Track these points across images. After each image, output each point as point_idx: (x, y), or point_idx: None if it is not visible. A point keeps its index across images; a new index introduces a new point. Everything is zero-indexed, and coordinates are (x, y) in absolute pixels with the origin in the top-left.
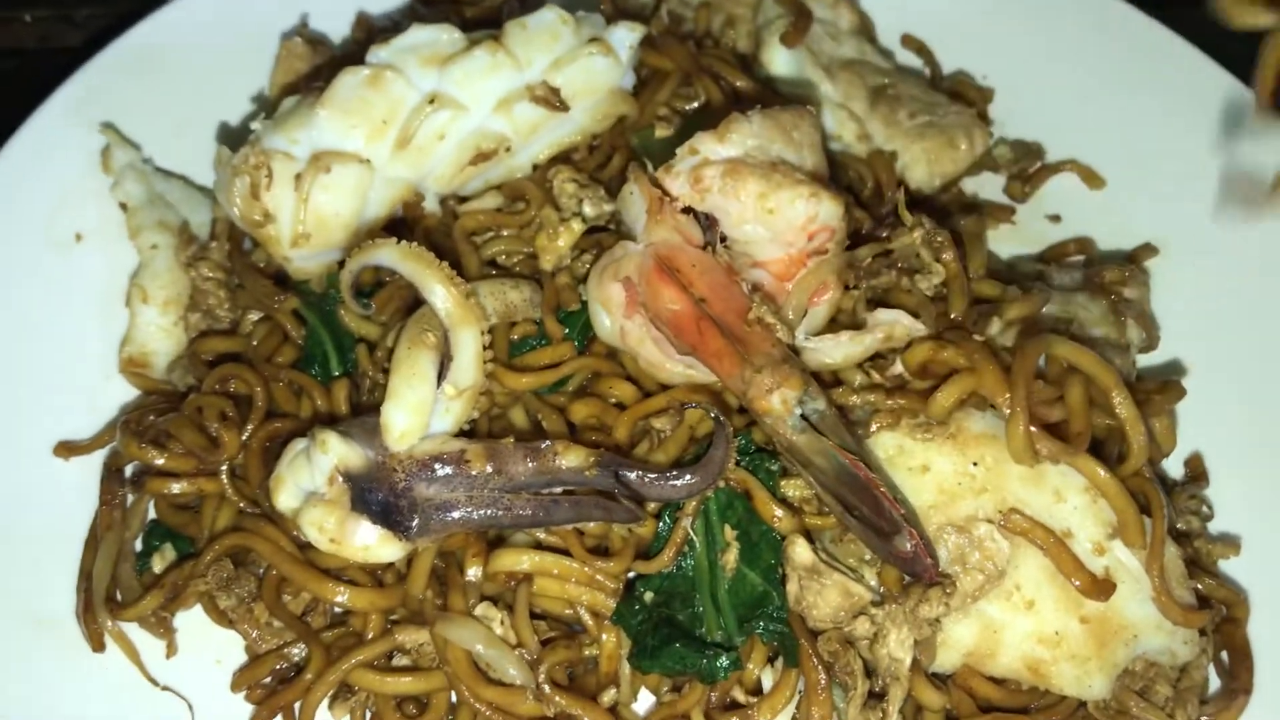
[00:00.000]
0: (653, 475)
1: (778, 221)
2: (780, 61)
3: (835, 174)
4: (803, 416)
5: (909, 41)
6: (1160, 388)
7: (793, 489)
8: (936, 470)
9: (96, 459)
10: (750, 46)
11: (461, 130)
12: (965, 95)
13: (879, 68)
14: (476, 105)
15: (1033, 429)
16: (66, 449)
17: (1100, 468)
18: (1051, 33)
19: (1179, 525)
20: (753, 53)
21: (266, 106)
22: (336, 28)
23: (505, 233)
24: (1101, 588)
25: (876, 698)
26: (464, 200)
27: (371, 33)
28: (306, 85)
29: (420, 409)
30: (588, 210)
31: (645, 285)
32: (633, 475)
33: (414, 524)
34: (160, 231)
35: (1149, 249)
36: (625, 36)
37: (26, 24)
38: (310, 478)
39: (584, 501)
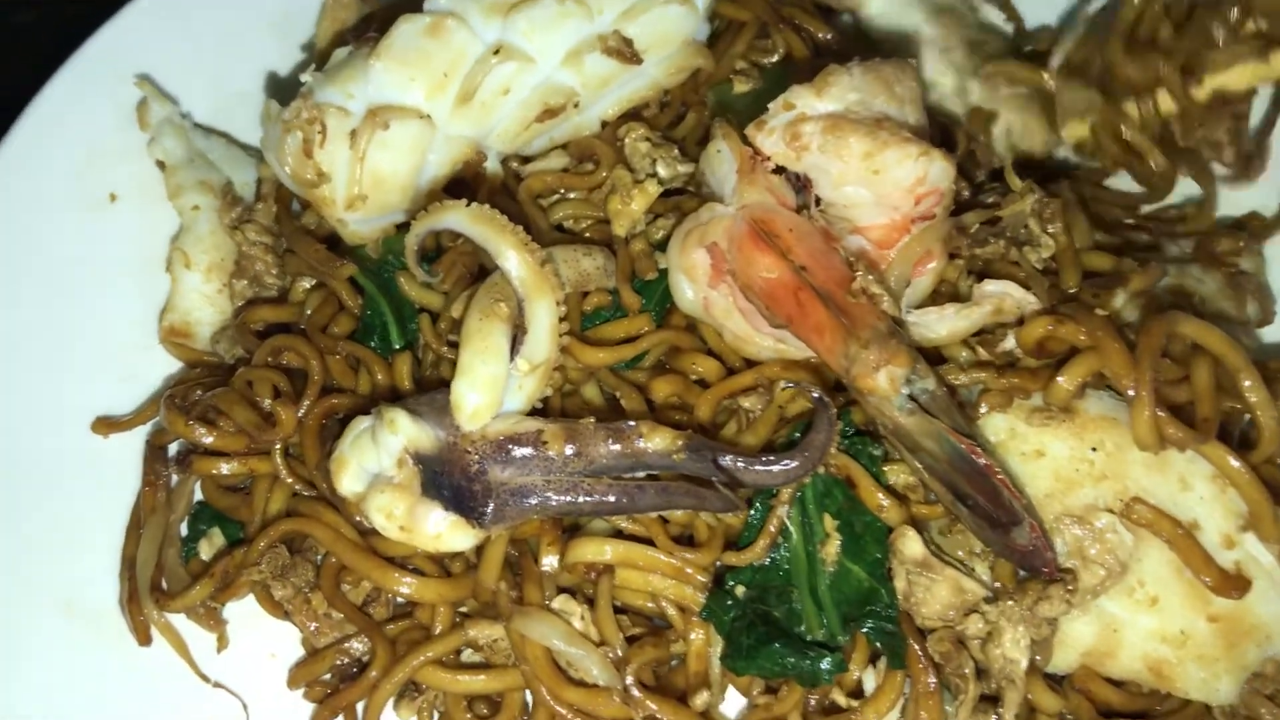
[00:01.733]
0: (749, 459)
1: (883, 183)
2: None
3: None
4: (910, 396)
5: None
6: None
7: (896, 475)
8: (1052, 455)
9: (137, 436)
10: None
11: (528, 84)
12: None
13: (979, 23)
14: (544, 57)
15: (1159, 413)
16: (106, 425)
17: (1230, 455)
18: None
19: None
20: None
21: (316, 57)
22: None
23: (572, 195)
24: (1234, 584)
25: (989, 701)
26: (526, 160)
27: None
28: (357, 35)
29: (494, 385)
30: (662, 171)
31: (736, 251)
32: (727, 459)
33: (488, 510)
34: (202, 192)
35: (1257, 217)
36: None
37: None
38: (376, 459)
39: (672, 487)
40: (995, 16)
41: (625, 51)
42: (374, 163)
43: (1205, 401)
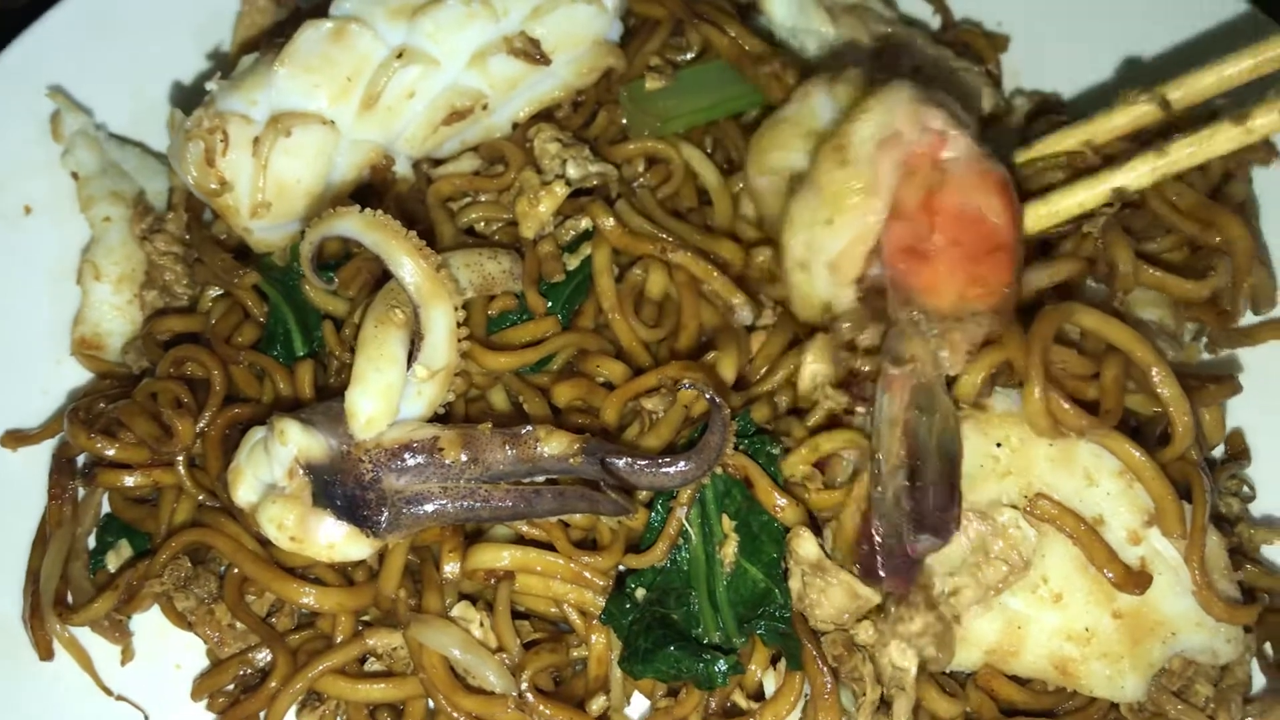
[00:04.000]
0: (643, 462)
1: None
2: (780, 1)
3: None
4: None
5: None
6: (1214, 378)
7: (795, 468)
8: None
9: (46, 449)
10: None
11: (433, 87)
12: (974, 45)
13: (882, 16)
14: (449, 59)
15: (1055, 396)
16: (14, 439)
17: (1135, 449)
18: None
19: (1219, 508)
20: None
21: (225, 65)
22: None
23: (483, 198)
24: (1136, 580)
25: (889, 705)
26: (438, 163)
27: None
28: (268, 41)
29: (388, 393)
30: (571, 172)
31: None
32: (621, 462)
33: (383, 519)
34: (113, 203)
35: None
36: None
37: None
38: (269, 469)
39: (568, 492)
40: (921, 9)
41: (532, 52)
42: (277, 170)
43: (1110, 395)
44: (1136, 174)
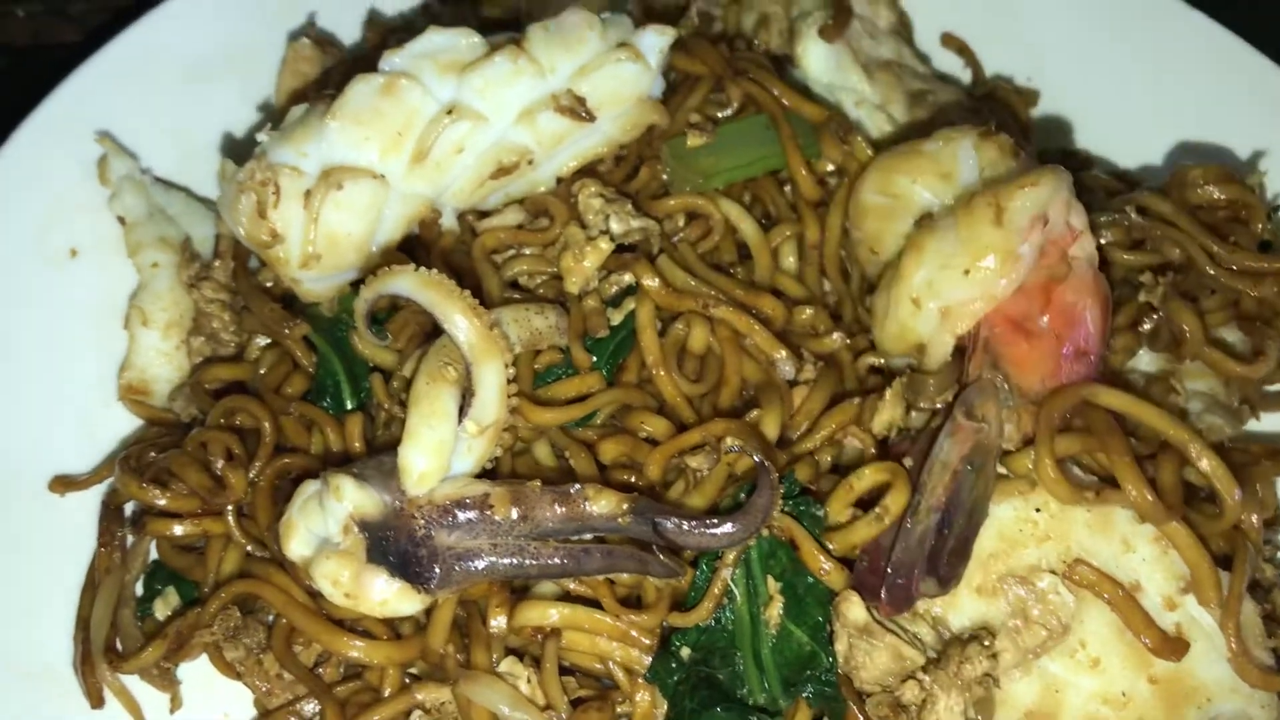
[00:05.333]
0: (691, 523)
1: None
2: (815, 57)
3: None
4: None
5: (950, 41)
6: (1270, 453)
7: (838, 515)
8: (996, 516)
9: (94, 495)
10: (784, 46)
11: (481, 142)
12: (1006, 101)
13: (917, 72)
14: (497, 115)
15: (1064, 462)
16: (62, 484)
17: None
18: (1098, 32)
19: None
20: (786, 50)
21: (273, 114)
22: (347, 28)
23: (528, 251)
24: (1173, 646)
25: None
26: (484, 216)
27: (384, 35)
28: (315, 91)
29: (441, 450)
30: (615, 227)
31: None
32: (669, 523)
33: (434, 575)
34: (161, 248)
35: None
36: (655, 41)
37: (19, 19)
38: (323, 524)
39: (617, 551)
40: (952, 63)
41: (579, 110)
42: (328, 223)
43: (1170, 493)
44: None
